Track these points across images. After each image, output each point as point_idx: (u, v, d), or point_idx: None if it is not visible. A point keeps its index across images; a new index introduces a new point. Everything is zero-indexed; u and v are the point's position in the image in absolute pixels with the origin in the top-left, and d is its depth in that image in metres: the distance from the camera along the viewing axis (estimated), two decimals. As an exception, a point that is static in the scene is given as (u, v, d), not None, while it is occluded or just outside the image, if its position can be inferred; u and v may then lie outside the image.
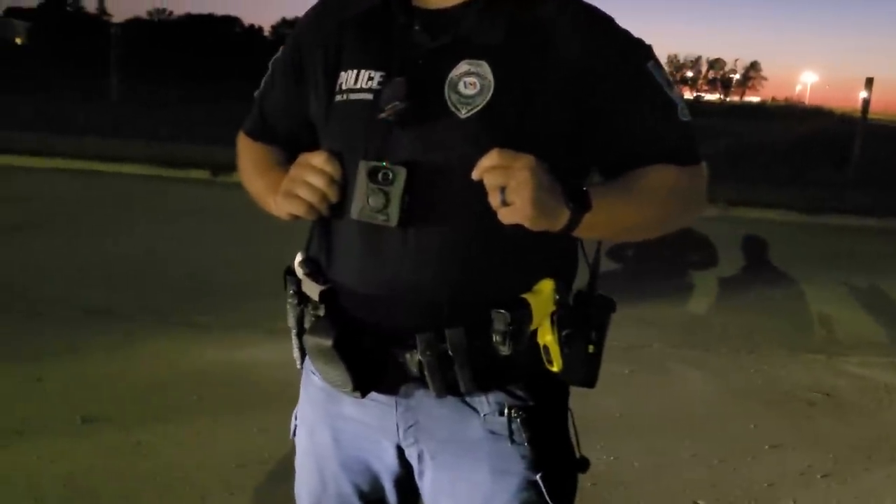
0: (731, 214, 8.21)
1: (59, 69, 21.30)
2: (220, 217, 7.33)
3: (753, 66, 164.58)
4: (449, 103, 1.19)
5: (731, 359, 4.52)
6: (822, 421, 3.78)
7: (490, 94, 1.18)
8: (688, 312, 5.47)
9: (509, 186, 1.11)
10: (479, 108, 1.18)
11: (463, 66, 1.20)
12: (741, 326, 5.12)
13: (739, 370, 4.36)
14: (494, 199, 1.12)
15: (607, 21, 1.24)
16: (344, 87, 1.26)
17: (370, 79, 1.24)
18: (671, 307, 5.38)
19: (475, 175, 1.13)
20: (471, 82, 1.19)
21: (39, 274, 5.29)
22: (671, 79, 1.30)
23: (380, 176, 1.17)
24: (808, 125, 23.86)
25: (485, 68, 1.19)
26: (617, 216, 1.23)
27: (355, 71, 1.26)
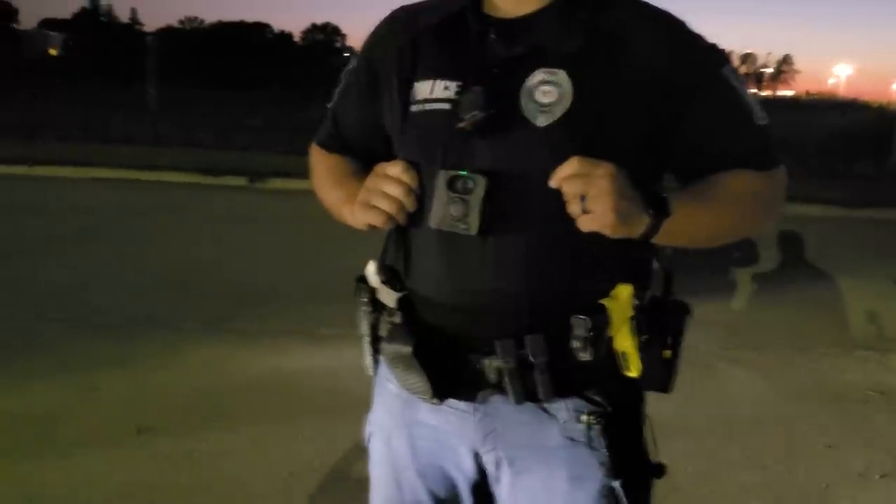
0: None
1: (96, 79, 21.61)
2: (260, 224, 7.42)
3: (786, 59, 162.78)
4: (526, 112, 1.19)
5: (780, 357, 4.47)
6: (878, 419, 3.72)
7: (568, 103, 1.18)
8: (733, 311, 5.42)
9: (589, 195, 1.11)
10: (557, 116, 1.18)
11: (539, 75, 1.20)
12: (787, 324, 5.07)
13: (789, 369, 4.31)
14: (574, 208, 1.12)
15: (681, 26, 1.24)
16: (420, 98, 1.27)
17: (446, 88, 1.24)
18: (716, 306, 5.32)
19: (554, 183, 1.13)
20: (547, 91, 1.19)
21: (86, 284, 5.36)
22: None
23: (459, 185, 1.17)
24: (845, 118, 23.57)
25: (562, 76, 1.19)
26: (696, 223, 1.23)
27: (431, 81, 1.26)
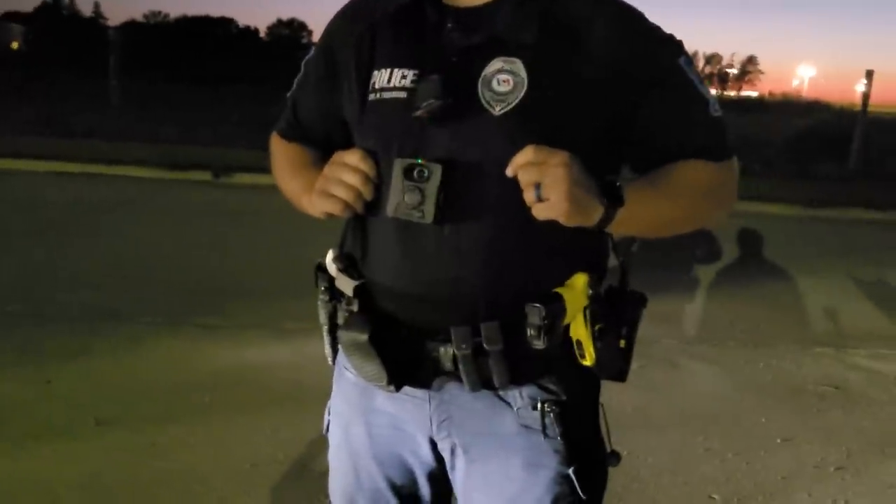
0: (735, 208, 8.11)
1: (58, 73, 21.26)
2: (224, 218, 7.37)
3: (751, 60, 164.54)
4: (483, 101, 1.19)
5: (740, 353, 4.53)
6: (833, 414, 3.78)
7: (523, 92, 1.18)
8: (695, 307, 5.49)
9: (544, 183, 1.11)
10: (512, 105, 1.18)
11: (496, 64, 1.20)
12: (748, 320, 5.14)
13: (749, 364, 4.37)
14: (529, 196, 1.13)
15: (639, 17, 1.25)
16: (377, 86, 1.27)
17: (403, 77, 1.24)
18: (678, 302, 5.39)
19: (509, 171, 1.14)
20: (504, 79, 1.19)
21: (47, 277, 5.29)
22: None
23: (415, 173, 1.18)
24: (808, 119, 23.91)
25: (518, 65, 1.19)
26: (650, 211, 1.24)
27: (388, 70, 1.26)
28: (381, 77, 1.27)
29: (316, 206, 1.28)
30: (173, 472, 2.95)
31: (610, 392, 1.36)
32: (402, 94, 1.23)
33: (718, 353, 4.51)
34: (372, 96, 1.27)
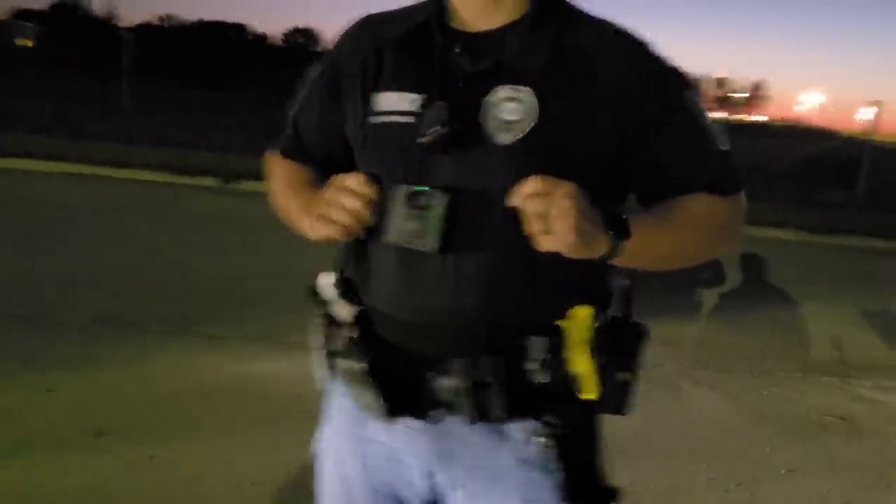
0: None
1: (70, 73, 21.33)
2: (232, 226, 7.35)
3: (759, 85, 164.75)
4: (490, 129, 1.17)
5: (744, 380, 4.50)
6: (838, 445, 3.75)
7: (532, 121, 1.16)
8: (699, 331, 5.46)
9: (550, 214, 1.08)
10: (520, 134, 1.16)
11: (504, 92, 1.18)
12: (752, 347, 5.11)
13: (752, 391, 4.34)
14: (534, 227, 1.10)
15: (645, 48, 1.22)
16: (382, 109, 1.25)
17: (410, 101, 1.22)
18: (682, 326, 5.36)
19: (514, 202, 1.11)
20: (512, 108, 1.17)
21: (50, 281, 5.25)
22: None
23: (418, 201, 1.16)
24: (815, 145, 23.92)
25: (526, 94, 1.17)
26: (656, 245, 1.22)
27: (394, 93, 1.24)
28: (386, 100, 1.25)
29: (315, 230, 1.24)
30: (172, 487, 2.91)
31: (612, 416, 1.33)
32: (408, 119, 1.21)
33: (722, 379, 4.47)
34: (376, 119, 1.25)
